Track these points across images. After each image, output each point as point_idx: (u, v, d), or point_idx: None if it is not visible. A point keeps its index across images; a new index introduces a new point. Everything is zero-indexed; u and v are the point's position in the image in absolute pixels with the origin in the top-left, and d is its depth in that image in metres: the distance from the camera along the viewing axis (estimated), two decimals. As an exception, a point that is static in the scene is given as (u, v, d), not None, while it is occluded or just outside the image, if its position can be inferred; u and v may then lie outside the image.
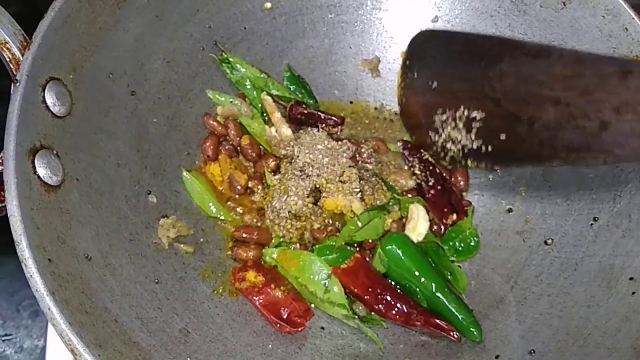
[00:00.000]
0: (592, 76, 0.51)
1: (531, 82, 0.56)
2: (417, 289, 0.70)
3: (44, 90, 0.59)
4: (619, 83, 0.49)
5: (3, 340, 0.92)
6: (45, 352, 0.81)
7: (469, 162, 0.67)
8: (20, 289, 0.93)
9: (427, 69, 0.70)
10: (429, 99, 0.69)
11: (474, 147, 0.64)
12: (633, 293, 0.62)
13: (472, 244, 0.76)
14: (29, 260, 0.52)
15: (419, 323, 0.68)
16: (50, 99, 0.60)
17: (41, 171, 0.57)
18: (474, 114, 0.63)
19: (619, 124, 0.49)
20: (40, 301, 0.51)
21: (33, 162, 0.57)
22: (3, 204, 0.54)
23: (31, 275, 0.51)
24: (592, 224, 0.70)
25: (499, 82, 0.60)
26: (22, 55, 0.59)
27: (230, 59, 0.80)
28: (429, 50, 0.71)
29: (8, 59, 0.59)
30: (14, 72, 0.59)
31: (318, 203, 0.75)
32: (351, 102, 0.86)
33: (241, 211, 0.77)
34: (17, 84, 0.57)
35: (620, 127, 0.49)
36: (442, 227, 0.75)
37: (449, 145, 0.67)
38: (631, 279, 0.63)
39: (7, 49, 0.59)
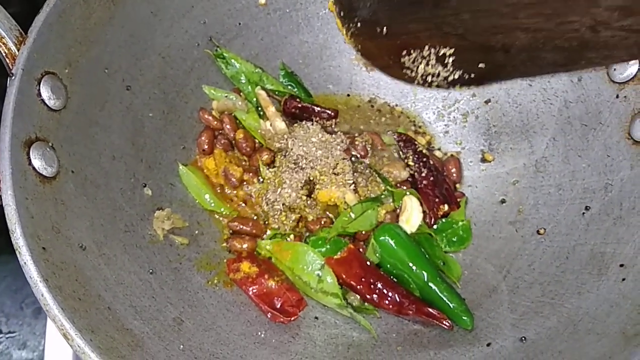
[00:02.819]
0: (556, 1, 0.49)
1: (491, 14, 0.54)
2: (410, 279, 0.71)
3: (39, 84, 0.60)
4: (587, 4, 0.46)
5: (7, 338, 0.93)
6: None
7: (457, 87, 0.65)
8: (24, 286, 0.94)
9: (367, 17, 0.66)
10: (385, 42, 0.66)
11: (456, 77, 0.61)
12: (623, 279, 0.62)
13: (464, 235, 0.76)
14: (22, 248, 0.53)
15: (411, 312, 0.69)
16: (45, 93, 0.61)
17: (36, 163, 0.58)
18: (442, 50, 0.60)
19: (600, 40, 0.47)
20: (34, 287, 0.52)
21: (28, 154, 0.58)
22: (-2, 194, 0.56)
23: (25, 263, 0.53)
24: (584, 213, 0.70)
25: (455, 19, 0.57)
26: (18, 50, 0.60)
27: (225, 55, 0.81)
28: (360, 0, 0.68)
29: (4, 54, 0.60)
30: (10, 67, 0.60)
31: (312, 195, 0.76)
32: (348, 95, 0.87)
33: (236, 204, 0.78)
34: (13, 78, 0.58)
35: (604, 42, 0.47)
36: (432, 217, 0.75)
37: (429, 78, 0.64)
38: (621, 265, 0.63)
39: (3, 43, 0.60)
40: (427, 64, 0.62)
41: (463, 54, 0.59)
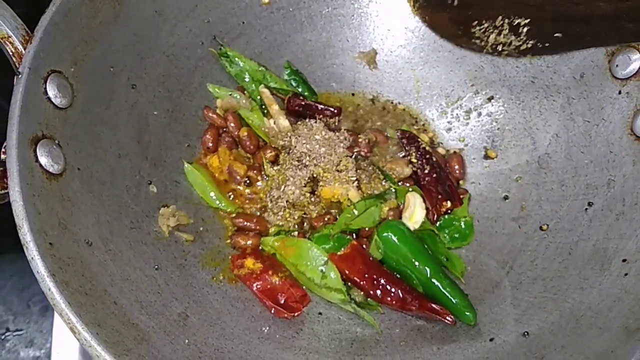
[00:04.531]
0: None
1: None
2: (413, 275, 0.71)
3: (45, 82, 0.61)
4: None
5: (14, 335, 0.94)
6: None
7: (528, 57, 0.63)
8: (31, 285, 0.95)
9: None
10: (456, 13, 0.64)
11: (529, 46, 0.60)
12: (625, 274, 0.63)
13: (466, 231, 0.76)
14: (30, 244, 0.54)
15: (414, 307, 0.69)
16: (51, 91, 0.62)
17: (43, 160, 0.59)
18: (517, 21, 0.59)
19: None
20: (41, 282, 0.53)
21: (35, 151, 0.59)
22: (6, 191, 0.56)
23: (32, 258, 0.53)
24: (586, 209, 0.71)
25: None
26: (25, 49, 0.61)
27: (229, 53, 0.82)
28: None
29: (11, 53, 0.61)
30: (17, 65, 0.61)
31: (315, 192, 0.77)
32: (352, 95, 0.87)
33: (241, 201, 0.78)
34: (20, 76, 0.59)
35: None
36: (435, 213, 0.76)
37: (500, 47, 0.63)
38: (624, 260, 0.64)
39: (10, 42, 0.61)
40: (499, 34, 0.61)
41: (539, 23, 0.57)
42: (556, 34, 0.57)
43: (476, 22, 0.62)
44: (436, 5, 0.67)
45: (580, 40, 0.58)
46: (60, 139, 0.62)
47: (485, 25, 0.62)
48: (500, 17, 0.60)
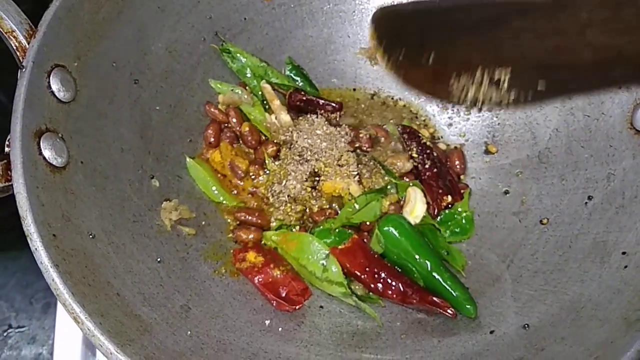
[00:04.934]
0: (632, 15, 0.46)
1: (557, 34, 0.50)
2: (414, 269, 0.72)
3: (49, 76, 0.62)
4: None
5: (17, 332, 0.95)
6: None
7: (511, 109, 0.60)
8: (33, 282, 0.96)
9: (413, 45, 0.64)
10: (432, 69, 0.62)
11: (511, 99, 0.57)
12: (625, 267, 0.63)
13: (467, 225, 0.77)
14: (33, 235, 0.54)
15: (415, 301, 0.69)
16: (55, 85, 0.62)
17: (46, 153, 0.60)
18: (497, 74, 0.56)
19: None
20: (45, 273, 0.54)
21: (39, 144, 0.59)
22: (10, 183, 0.57)
23: (36, 249, 0.54)
24: (586, 203, 0.71)
25: (516, 40, 0.53)
26: (29, 44, 0.62)
27: (231, 49, 0.83)
28: (405, 27, 0.66)
29: (15, 47, 0.62)
30: (21, 60, 0.62)
31: (317, 187, 0.77)
32: (354, 90, 0.88)
33: (242, 195, 0.79)
34: (24, 70, 0.60)
35: None
36: (436, 208, 0.76)
37: (480, 101, 0.59)
38: (624, 253, 0.64)
39: (14, 37, 0.62)
40: (479, 89, 0.58)
41: (521, 75, 0.55)
42: (539, 85, 0.54)
43: (453, 77, 0.60)
44: (411, 63, 0.65)
45: (565, 89, 0.58)
46: (63, 133, 0.63)
47: (463, 80, 0.59)
48: (479, 71, 0.57)
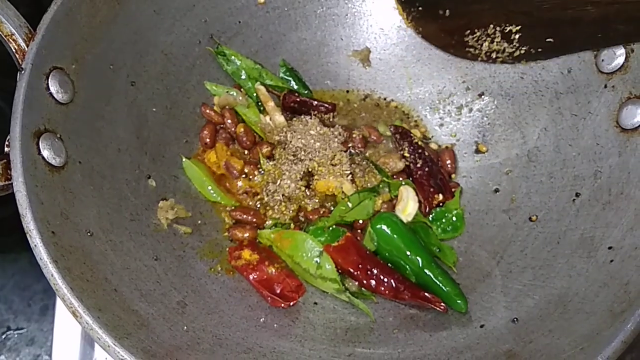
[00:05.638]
0: None
1: None
2: (406, 265, 0.73)
3: (47, 78, 0.63)
4: None
5: (15, 334, 0.96)
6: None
7: (522, 62, 0.63)
8: (31, 284, 0.97)
9: (430, 1, 0.66)
10: (448, 23, 0.66)
11: (522, 52, 0.61)
12: (611, 261, 0.64)
13: (457, 223, 0.78)
14: (33, 231, 0.56)
15: (407, 296, 0.71)
16: (53, 87, 0.64)
17: (45, 152, 0.61)
18: (508, 28, 0.60)
19: None
20: (44, 268, 0.55)
21: (38, 144, 0.61)
22: (10, 182, 0.58)
23: (35, 245, 0.55)
24: (574, 200, 0.72)
25: None
26: (27, 46, 0.63)
27: (226, 52, 0.84)
28: None
29: (14, 50, 0.64)
30: (20, 62, 0.63)
31: (311, 186, 0.79)
32: (347, 92, 0.89)
33: (238, 195, 0.80)
34: (23, 72, 0.61)
35: None
36: (427, 206, 0.78)
37: (494, 55, 0.64)
38: (610, 248, 0.65)
39: (13, 40, 0.63)
40: (492, 42, 0.63)
41: (530, 30, 0.59)
42: (548, 39, 0.59)
43: (468, 31, 0.64)
44: (428, 17, 0.69)
45: (572, 44, 0.59)
46: (61, 133, 0.64)
47: (478, 33, 0.63)
48: (491, 25, 0.61)
